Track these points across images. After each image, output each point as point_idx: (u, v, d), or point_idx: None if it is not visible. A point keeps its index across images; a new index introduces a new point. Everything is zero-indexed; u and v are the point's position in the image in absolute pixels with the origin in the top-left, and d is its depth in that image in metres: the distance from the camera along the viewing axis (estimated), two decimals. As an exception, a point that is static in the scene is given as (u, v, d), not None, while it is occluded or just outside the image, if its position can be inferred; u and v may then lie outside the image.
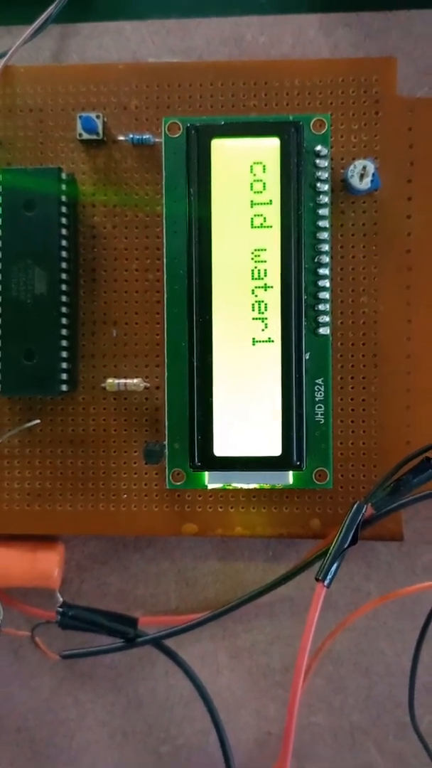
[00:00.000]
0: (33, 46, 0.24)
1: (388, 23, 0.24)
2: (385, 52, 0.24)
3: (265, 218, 0.20)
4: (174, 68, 0.23)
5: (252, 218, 0.20)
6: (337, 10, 0.24)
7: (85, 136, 0.23)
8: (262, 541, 0.24)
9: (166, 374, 0.21)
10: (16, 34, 0.25)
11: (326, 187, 0.21)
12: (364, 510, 0.20)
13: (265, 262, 0.20)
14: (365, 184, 0.22)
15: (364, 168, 0.22)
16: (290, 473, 0.21)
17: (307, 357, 0.21)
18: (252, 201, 0.20)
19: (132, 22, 0.25)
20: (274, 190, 0.20)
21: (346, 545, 0.20)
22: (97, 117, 0.23)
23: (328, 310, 0.21)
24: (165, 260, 0.21)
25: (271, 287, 0.20)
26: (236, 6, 0.24)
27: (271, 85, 0.23)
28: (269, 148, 0.20)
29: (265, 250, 0.20)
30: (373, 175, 0.22)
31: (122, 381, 0.23)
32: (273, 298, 0.20)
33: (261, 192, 0.20)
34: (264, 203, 0.20)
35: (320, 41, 0.24)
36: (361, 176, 0.22)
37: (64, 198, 0.22)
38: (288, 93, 0.23)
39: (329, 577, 0.19)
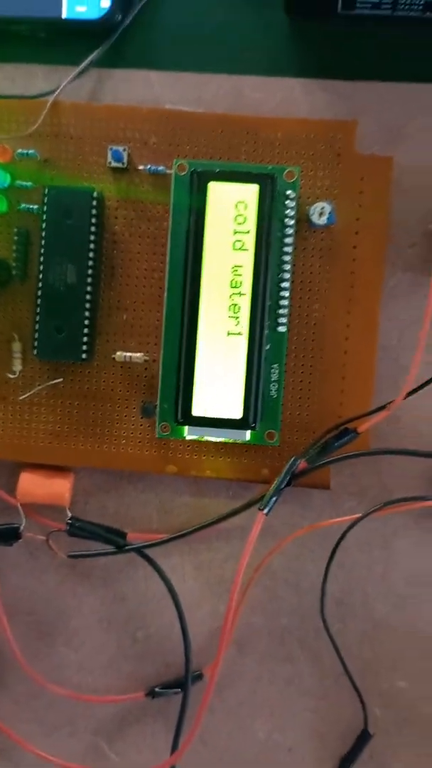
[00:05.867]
0: (75, 85, 0.31)
1: (354, 90, 0.31)
2: (352, 113, 0.30)
3: (243, 243, 0.27)
4: (186, 115, 0.30)
5: (234, 242, 0.27)
6: (316, 77, 0.31)
7: (113, 164, 0.29)
8: (225, 483, 0.31)
9: (161, 351, 0.29)
10: (62, 72, 0.31)
11: (292, 222, 0.28)
12: (298, 462, 0.27)
13: (240, 275, 0.27)
14: (322, 220, 0.29)
15: (323, 208, 0.29)
16: (248, 432, 0.28)
17: (268, 348, 0.28)
18: (234, 230, 0.27)
19: (156, 72, 0.31)
20: (251, 223, 0.27)
21: (282, 486, 0.27)
22: (124, 150, 0.29)
23: (286, 314, 0.28)
24: (168, 266, 0.28)
25: (244, 294, 0.27)
26: (239, 66, 0.31)
27: (259, 136, 0.30)
28: (250, 191, 0.27)
29: (241, 266, 0.27)
30: (330, 214, 0.29)
31: (128, 354, 0.30)
32: (244, 303, 0.27)
33: (242, 224, 0.27)
34: (243, 232, 0.27)
35: (301, 101, 0.31)
36: (320, 214, 0.29)
37: (93, 211, 0.29)
38: (272, 143, 0.30)
39: (268, 507, 0.27)
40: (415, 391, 0.27)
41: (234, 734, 0.31)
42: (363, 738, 0.31)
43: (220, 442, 0.30)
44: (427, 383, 0.27)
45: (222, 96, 0.31)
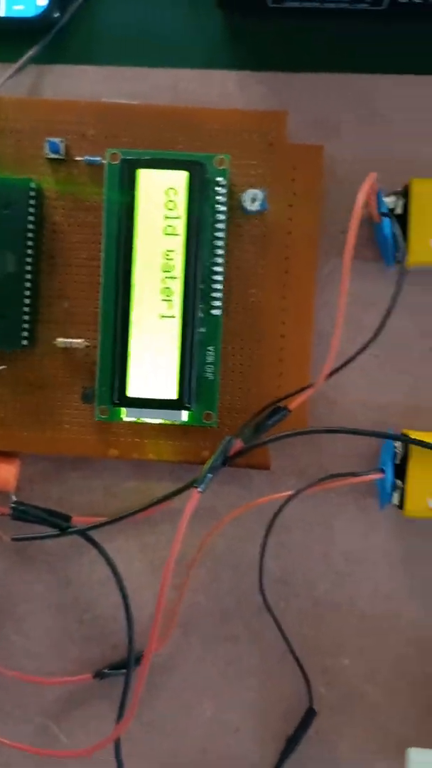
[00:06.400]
0: (14, 81, 0.32)
1: (288, 82, 0.31)
2: (285, 104, 0.31)
3: (174, 228, 0.28)
4: (122, 108, 0.31)
5: (165, 228, 0.28)
6: (251, 69, 0.32)
7: (51, 155, 0.30)
8: (168, 465, 0.31)
9: (99, 336, 0.29)
10: (0, 69, 0.32)
11: (223, 208, 0.29)
12: (233, 441, 0.28)
13: (172, 260, 0.28)
14: (255, 206, 0.29)
15: (255, 195, 0.29)
16: (185, 413, 0.29)
17: (203, 331, 0.29)
18: (165, 215, 0.28)
19: (95, 67, 0.32)
20: (181, 209, 0.28)
21: (217, 464, 0.28)
22: (61, 141, 0.30)
23: (220, 297, 0.29)
24: (102, 253, 0.29)
25: (176, 278, 0.28)
26: (175, 60, 0.32)
27: (194, 127, 0.30)
28: (180, 177, 0.28)
29: (173, 251, 0.28)
30: (262, 200, 0.29)
31: (69, 340, 0.30)
32: (177, 286, 0.28)
33: (172, 209, 0.28)
34: (174, 217, 0.28)
35: (236, 93, 0.32)
36: (252, 200, 0.30)
37: (32, 202, 0.30)
38: (206, 134, 0.30)
39: (203, 485, 0.27)
40: (337, 370, 0.28)
41: (180, 715, 0.32)
42: (308, 716, 0.31)
43: (160, 425, 0.30)
44: (347, 362, 0.28)
45: (159, 90, 0.32)
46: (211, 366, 0.29)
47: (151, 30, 0.32)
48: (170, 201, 0.28)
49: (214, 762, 0.32)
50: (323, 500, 0.31)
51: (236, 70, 0.32)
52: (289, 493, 0.29)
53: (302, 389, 0.28)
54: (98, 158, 0.30)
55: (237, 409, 0.30)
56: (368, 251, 0.31)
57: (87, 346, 0.30)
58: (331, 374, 0.28)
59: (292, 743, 0.31)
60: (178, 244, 0.28)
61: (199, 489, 0.27)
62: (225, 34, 0.32)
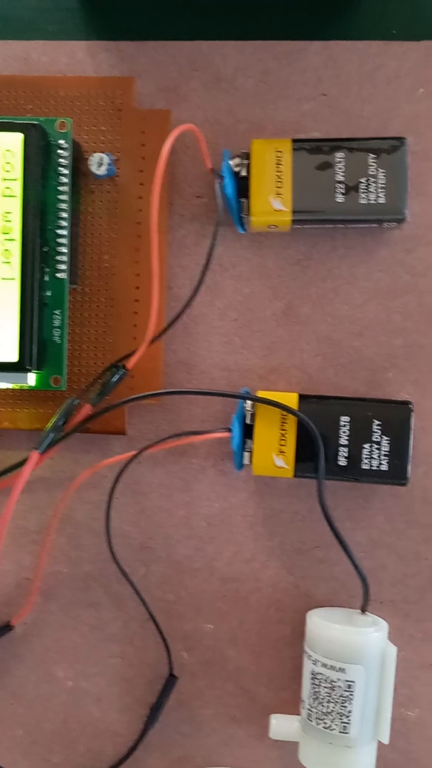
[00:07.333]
0: None
1: (137, 50, 0.32)
2: (134, 72, 0.32)
3: (12, 190, 0.28)
4: (-28, 77, 0.31)
5: (3, 189, 0.28)
6: (100, 39, 0.32)
7: None
8: (26, 433, 0.31)
9: None
10: None
11: (65, 171, 0.29)
12: (75, 403, 0.28)
13: (10, 222, 0.28)
14: (102, 170, 0.30)
15: (101, 159, 0.30)
16: (31, 376, 0.29)
17: (49, 294, 0.29)
18: (3, 177, 0.28)
19: None
20: (18, 170, 0.28)
21: (59, 425, 0.28)
22: None
23: (65, 260, 0.29)
24: None
25: (14, 240, 0.28)
26: (27, 32, 0.32)
27: (44, 95, 0.30)
28: (15, 139, 0.28)
29: (11, 213, 0.28)
30: (109, 164, 0.30)
31: None
32: (15, 248, 0.28)
33: (10, 171, 0.28)
34: (12, 179, 0.28)
35: (87, 62, 0.32)
36: (99, 165, 0.30)
37: None
38: (55, 101, 0.31)
39: (42, 446, 0.27)
40: (164, 330, 0.29)
41: (42, 684, 0.31)
42: (169, 683, 0.31)
43: (13, 392, 0.30)
44: (173, 322, 0.29)
45: (10, 61, 0.32)
46: (58, 330, 0.29)
47: (2, 2, 0.32)
48: (7, 163, 0.28)
49: (76, 731, 0.31)
50: (183, 465, 0.31)
51: (86, 39, 0.32)
52: (133, 453, 0.29)
53: (134, 351, 0.29)
54: None
55: (91, 374, 0.30)
56: (228, 217, 0.31)
57: None
58: (159, 335, 0.28)
59: (155, 711, 0.31)
60: (15, 206, 0.28)
61: (39, 450, 0.27)
62: (75, 4, 0.32)
